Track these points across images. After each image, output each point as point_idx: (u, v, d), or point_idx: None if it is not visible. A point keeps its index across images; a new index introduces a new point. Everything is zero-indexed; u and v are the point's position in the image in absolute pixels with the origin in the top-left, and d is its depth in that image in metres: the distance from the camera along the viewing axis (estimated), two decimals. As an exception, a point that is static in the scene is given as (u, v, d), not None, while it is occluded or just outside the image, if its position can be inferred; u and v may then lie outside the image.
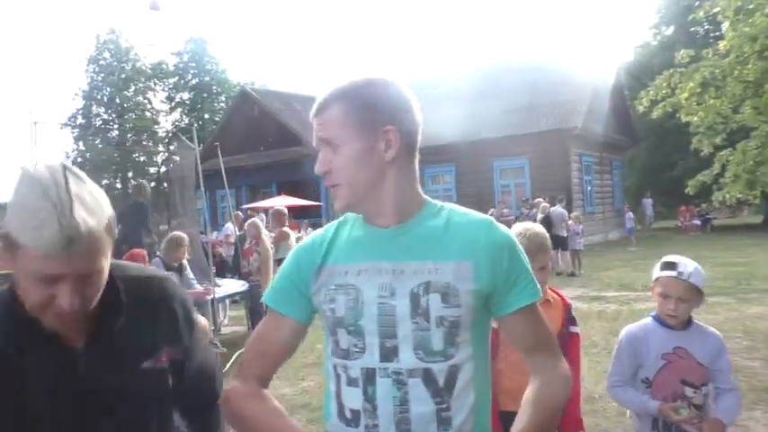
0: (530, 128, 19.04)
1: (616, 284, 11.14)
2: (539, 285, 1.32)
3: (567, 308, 2.46)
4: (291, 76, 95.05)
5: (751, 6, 6.61)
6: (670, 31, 26.74)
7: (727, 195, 7.09)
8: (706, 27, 22.33)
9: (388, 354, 1.20)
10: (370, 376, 1.21)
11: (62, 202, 1.03)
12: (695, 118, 7.14)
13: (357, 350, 1.23)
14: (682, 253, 2.45)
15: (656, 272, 2.37)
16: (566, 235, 13.15)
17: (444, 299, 1.19)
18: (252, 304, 7.20)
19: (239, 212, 10.01)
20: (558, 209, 13.71)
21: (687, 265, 2.32)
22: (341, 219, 1.37)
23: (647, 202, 26.30)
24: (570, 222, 13.49)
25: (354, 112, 1.22)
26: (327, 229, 1.36)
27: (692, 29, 22.85)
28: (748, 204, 25.47)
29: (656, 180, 27.10)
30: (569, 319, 2.44)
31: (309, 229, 19.33)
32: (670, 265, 2.33)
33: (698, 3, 21.64)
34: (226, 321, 8.61)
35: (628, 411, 2.58)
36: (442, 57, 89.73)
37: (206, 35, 61.50)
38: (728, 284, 9.99)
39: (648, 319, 2.44)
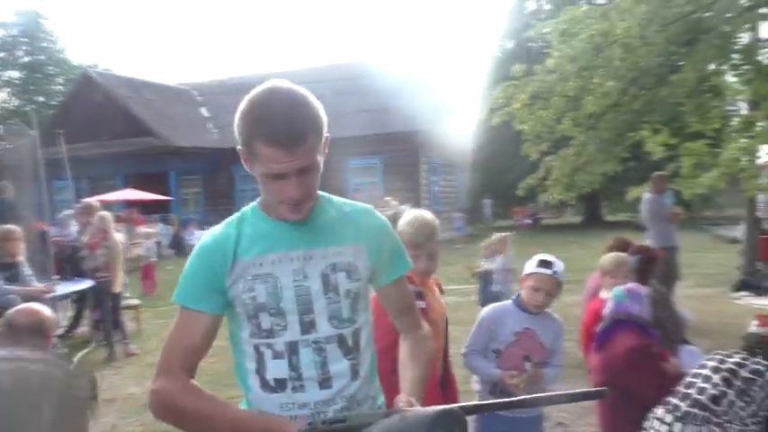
0: (383, 128, 19.73)
1: (458, 278, 11.95)
2: (409, 258, 1.62)
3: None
4: (140, 61, 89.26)
5: (574, 30, 7.42)
6: (511, 44, 28.85)
7: (550, 197, 7.97)
8: (540, 43, 24.42)
9: (308, 327, 1.42)
10: (293, 348, 1.41)
11: None
12: (526, 127, 7.86)
13: (280, 328, 1.41)
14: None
15: (531, 267, 2.79)
16: (414, 231, 14.01)
17: (348, 275, 1.45)
18: (97, 303, 6.84)
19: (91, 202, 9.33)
20: (407, 207, 14.52)
21: (559, 264, 2.78)
22: (239, 215, 1.50)
23: (487, 202, 28.37)
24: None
25: (321, 135, 1.35)
26: (228, 225, 1.47)
27: (529, 44, 24.90)
28: (571, 205, 28.36)
29: (495, 182, 29.11)
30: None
31: (159, 224, 18.48)
32: (546, 264, 2.75)
33: (533, 21, 23.68)
34: (65, 322, 8.09)
35: (473, 381, 2.97)
36: (298, 53, 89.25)
37: (41, 9, 56.07)
38: (552, 276, 11.15)
39: (509, 302, 2.87)
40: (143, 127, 21.68)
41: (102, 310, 6.78)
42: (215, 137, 23.39)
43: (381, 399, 1.59)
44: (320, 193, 1.50)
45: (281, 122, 1.27)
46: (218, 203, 23.45)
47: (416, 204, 16.98)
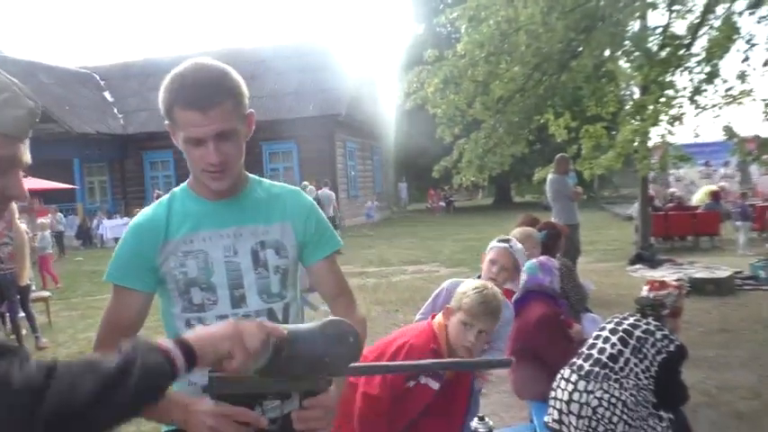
0: (298, 113, 19.55)
1: (377, 261, 12.18)
2: (338, 236, 1.68)
3: None
4: (35, 44, 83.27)
5: (483, 14, 7.61)
6: (421, 29, 29.17)
7: (463, 179, 8.24)
8: (449, 29, 24.87)
9: (238, 301, 1.47)
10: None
11: None
12: (439, 110, 8.03)
13: (210, 303, 1.46)
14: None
15: (492, 244, 3.00)
16: (333, 215, 14.51)
17: (277, 252, 1.51)
18: (2, 296, 6.47)
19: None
20: (326, 191, 14.92)
21: (516, 243, 2.99)
22: (169, 195, 1.53)
23: (403, 186, 28.80)
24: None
25: (240, 103, 1.39)
26: (159, 206, 1.52)
27: (438, 29, 25.31)
28: (482, 188, 29.29)
29: (411, 165, 29.56)
30: None
31: (59, 214, 17.51)
32: (504, 240, 2.99)
33: (442, 6, 24.07)
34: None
35: None
36: (209, 35, 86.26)
37: None
38: (465, 256, 11.61)
39: (470, 280, 2.95)
40: (42, 113, 20.35)
41: (9, 303, 6.46)
42: (121, 122, 22.34)
43: None
44: (250, 175, 1.58)
45: (197, 87, 1.32)
46: (128, 191, 22.48)
47: (334, 189, 17.01)
